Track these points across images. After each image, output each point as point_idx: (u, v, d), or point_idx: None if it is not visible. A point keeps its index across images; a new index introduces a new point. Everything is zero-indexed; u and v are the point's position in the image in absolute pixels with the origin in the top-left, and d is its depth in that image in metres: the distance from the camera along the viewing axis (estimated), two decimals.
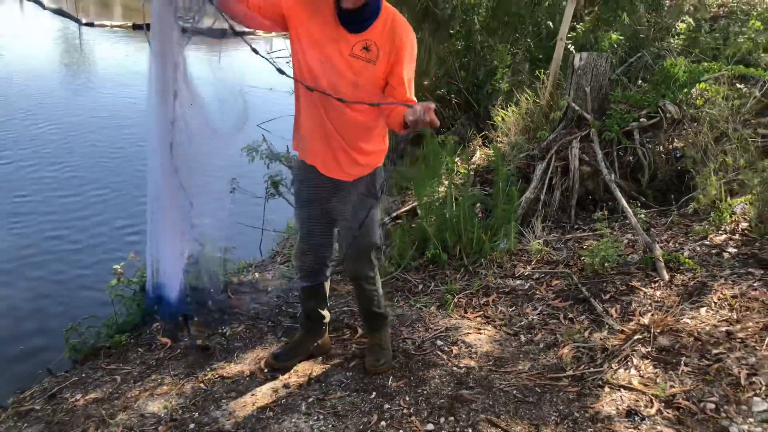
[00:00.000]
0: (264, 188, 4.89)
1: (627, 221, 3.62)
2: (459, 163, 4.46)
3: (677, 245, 3.37)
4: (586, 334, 2.78)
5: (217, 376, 2.71)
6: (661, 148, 4.18)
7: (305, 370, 2.72)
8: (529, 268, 3.48)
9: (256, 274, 3.84)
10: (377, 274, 2.67)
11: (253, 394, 2.58)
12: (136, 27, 14.16)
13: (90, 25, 14.21)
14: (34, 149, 6.59)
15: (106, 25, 14.28)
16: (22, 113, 7.72)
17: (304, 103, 2.36)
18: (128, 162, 6.47)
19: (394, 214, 4.25)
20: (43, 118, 7.58)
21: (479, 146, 5.06)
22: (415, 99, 2.22)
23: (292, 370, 2.72)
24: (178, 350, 2.97)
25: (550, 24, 5.55)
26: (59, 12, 15.59)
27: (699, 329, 2.59)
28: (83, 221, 5.15)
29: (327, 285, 2.78)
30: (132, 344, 3.07)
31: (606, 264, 3.18)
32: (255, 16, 2.23)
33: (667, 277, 3.04)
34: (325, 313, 2.79)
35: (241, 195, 4.94)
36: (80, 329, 3.09)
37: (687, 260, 3.11)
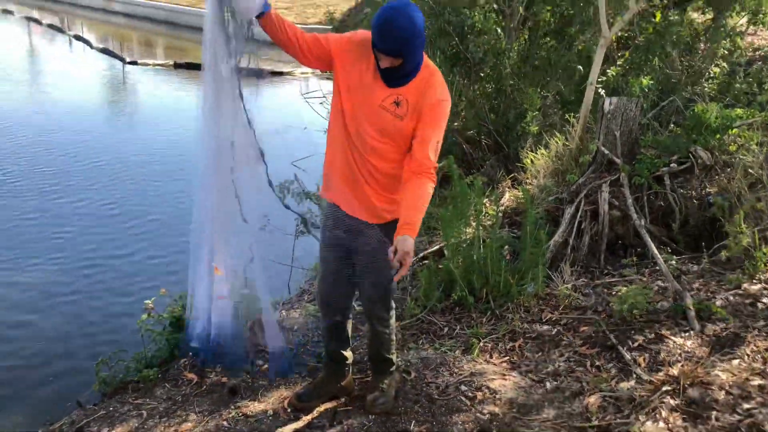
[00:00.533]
0: (294, 225, 4.98)
1: (657, 268, 3.56)
2: (487, 205, 4.47)
3: (709, 294, 3.31)
4: (614, 383, 2.73)
5: (240, 414, 2.73)
6: (693, 193, 4.13)
7: (326, 410, 2.72)
8: (556, 313, 3.44)
9: (283, 312, 3.88)
10: (392, 318, 2.69)
11: None
12: (177, 66, 14.64)
13: (134, 63, 14.73)
14: (77, 183, 6.81)
15: (149, 64, 14.79)
16: (67, 148, 8.01)
17: (335, 143, 2.43)
18: (164, 198, 6.64)
19: (421, 255, 4.26)
20: (85, 154, 7.85)
21: (508, 188, 5.07)
22: (435, 163, 2.26)
23: (315, 411, 2.72)
24: (204, 387, 3.00)
25: (581, 68, 5.59)
26: (105, 51, 16.23)
27: (730, 382, 2.53)
28: (119, 255, 5.28)
29: (350, 325, 2.80)
30: (159, 379, 3.12)
31: (635, 311, 3.13)
32: (304, 52, 2.36)
33: (698, 326, 2.98)
34: (348, 353, 2.81)
35: (271, 231, 5.05)
36: (110, 363, 3.16)
37: (719, 310, 3.04)
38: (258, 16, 2.28)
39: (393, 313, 2.72)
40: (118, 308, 4.38)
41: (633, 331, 3.06)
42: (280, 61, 15.53)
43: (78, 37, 18.54)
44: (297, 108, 11.00)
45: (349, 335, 2.82)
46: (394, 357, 2.78)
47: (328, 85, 11.12)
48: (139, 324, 3.32)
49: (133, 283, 4.77)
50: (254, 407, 2.79)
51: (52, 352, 3.85)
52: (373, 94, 2.27)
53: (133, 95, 12.71)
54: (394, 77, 2.24)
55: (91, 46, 17.00)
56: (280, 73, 14.17)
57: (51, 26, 20.70)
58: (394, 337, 2.76)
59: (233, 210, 2.66)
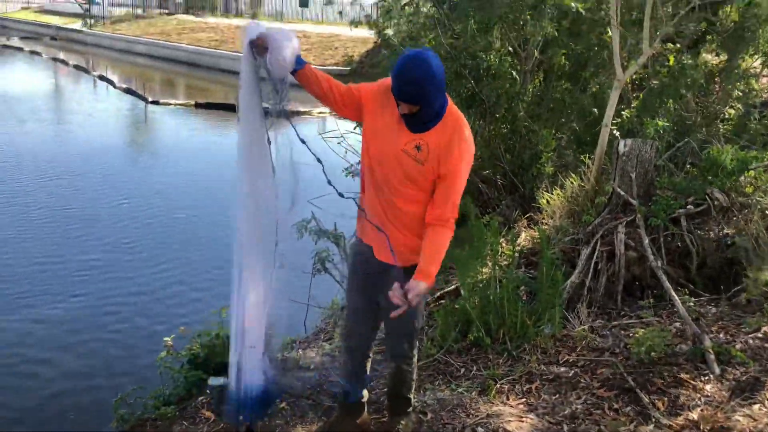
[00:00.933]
0: (311, 263, 5.02)
1: (675, 309, 3.54)
2: (503, 245, 4.49)
3: (729, 337, 3.28)
4: (632, 427, 2.70)
5: None
6: (710, 234, 4.13)
7: None
8: (573, 354, 3.42)
9: (300, 351, 3.89)
10: (415, 357, 2.72)
11: None
12: (198, 105, 14.98)
13: (155, 103, 15.10)
14: (101, 221, 6.94)
15: (171, 104, 15.14)
16: (90, 186, 8.19)
17: (367, 185, 2.51)
18: (185, 235, 6.73)
19: (437, 294, 4.27)
20: (108, 192, 8.01)
21: (524, 228, 5.09)
22: (455, 213, 2.33)
23: None
24: (221, 425, 3.01)
25: (596, 111, 5.65)
26: (128, 91, 16.66)
27: (751, 428, 2.50)
28: (141, 292, 5.35)
29: (368, 364, 2.82)
30: (177, 417, 3.14)
31: (653, 353, 3.12)
32: (338, 104, 2.47)
33: (717, 370, 2.95)
34: (365, 392, 2.83)
35: (288, 270, 5.09)
36: (128, 399, 3.19)
37: (739, 353, 3.02)
38: (293, 72, 2.36)
39: (416, 352, 2.74)
40: (140, 345, 4.42)
41: (651, 374, 3.04)
42: (297, 101, 15.83)
43: (102, 78, 19.08)
44: (314, 147, 11.18)
45: (367, 374, 2.84)
46: (412, 398, 2.78)
47: (345, 125, 11.32)
48: (158, 361, 3.36)
49: (155, 320, 4.82)
50: None
51: (73, 387, 3.89)
52: (397, 139, 2.34)
53: (155, 134, 12.99)
54: (415, 123, 2.30)
55: (115, 86, 17.48)
56: (298, 113, 14.44)
57: (77, 67, 21.33)
58: (415, 377, 2.77)
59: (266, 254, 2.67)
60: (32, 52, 24.61)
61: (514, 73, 5.26)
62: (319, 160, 2.57)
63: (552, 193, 5.07)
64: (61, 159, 9.44)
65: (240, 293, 2.56)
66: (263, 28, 2.31)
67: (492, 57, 5.32)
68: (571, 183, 4.98)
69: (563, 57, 5.63)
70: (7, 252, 5.88)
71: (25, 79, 18.42)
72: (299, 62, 2.35)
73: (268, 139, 2.50)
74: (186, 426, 3.05)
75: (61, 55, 23.81)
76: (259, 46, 2.30)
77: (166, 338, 3.41)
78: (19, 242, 6.16)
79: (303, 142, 2.50)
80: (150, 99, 15.34)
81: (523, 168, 5.52)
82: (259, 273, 2.55)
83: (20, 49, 25.49)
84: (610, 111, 4.76)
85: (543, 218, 5.07)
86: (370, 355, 2.83)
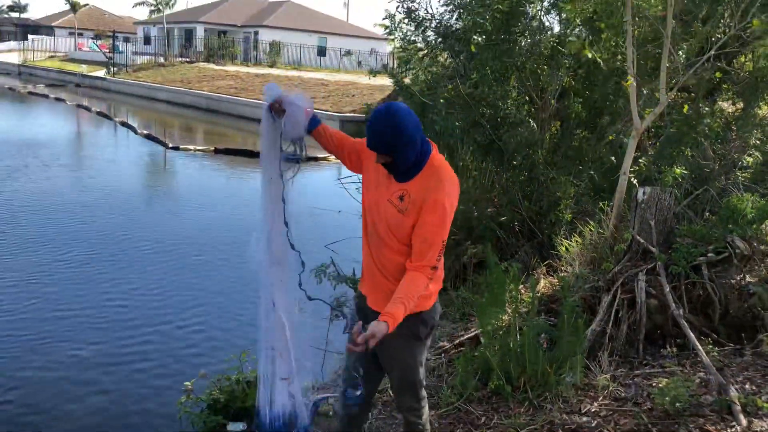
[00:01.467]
0: (329, 309, 5.02)
1: (698, 359, 3.50)
2: (523, 292, 4.48)
3: (754, 387, 3.23)
4: None
5: None
6: (732, 282, 4.09)
7: None
8: (596, 404, 3.37)
9: (318, 395, 3.86)
10: (424, 408, 2.69)
11: None
12: (217, 151, 15.25)
13: (176, 149, 15.39)
14: (123, 267, 7.02)
15: (190, 149, 15.42)
16: (111, 231, 8.30)
17: (363, 238, 2.59)
18: (206, 280, 6.78)
19: (457, 342, 4.25)
20: (128, 237, 8.11)
21: (543, 275, 5.08)
22: (432, 262, 2.32)
23: None
24: None
25: (613, 159, 5.69)
26: (149, 137, 17.02)
27: None
28: (161, 334, 5.36)
29: (366, 419, 2.87)
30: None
31: (678, 404, 3.07)
32: (348, 158, 2.63)
33: (744, 422, 2.89)
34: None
35: (306, 316, 5.10)
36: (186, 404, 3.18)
37: (765, 404, 2.96)
38: (308, 131, 2.56)
39: (425, 403, 2.70)
40: (160, 388, 4.41)
41: (677, 425, 2.98)
42: (315, 147, 16.07)
43: (124, 124, 19.53)
44: (332, 192, 11.32)
45: (365, 424, 2.88)
46: None
47: None
48: (178, 405, 3.36)
49: (176, 364, 4.82)
50: None
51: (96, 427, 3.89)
52: (386, 190, 2.42)
53: (175, 179, 13.20)
54: (395, 173, 2.38)
55: (136, 132, 17.87)
56: (315, 159, 14.64)
57: (99, 113, 21.87)
58: (428, 428, 2.74)
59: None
60: (57, 99, 25.30)
61: (532, 121, 5.33)
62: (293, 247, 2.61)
63: (571, 240, 5.07)
64: (81, 203, 9.60)
65: (268, 328, 2.62)
66: (280, 90, 2.51)
67: (509, 105, 5.41)
68: (590, 230, 4.99)
69: (579, 106, 5.71)
70: (30, 297, 5.95)
71: (50, 125, 18.89)
72: (314, 122, 2.55)
73: (283, 198, 2.58)
74: None
75: (85, 102, 24.46)
76: (277, 109, 2.50)
77: (186, 383, 3.42)
78: (42, 287, 6.23)
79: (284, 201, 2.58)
80: (170, 144, 15.64)
81: (541, 215, 5.54)
82: (283, 309, 2.62)
83: (46, 96, 26.21)
84: (628, 159, 4.80)
85: (562, 265, 5.06)
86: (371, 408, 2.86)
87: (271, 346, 2.68)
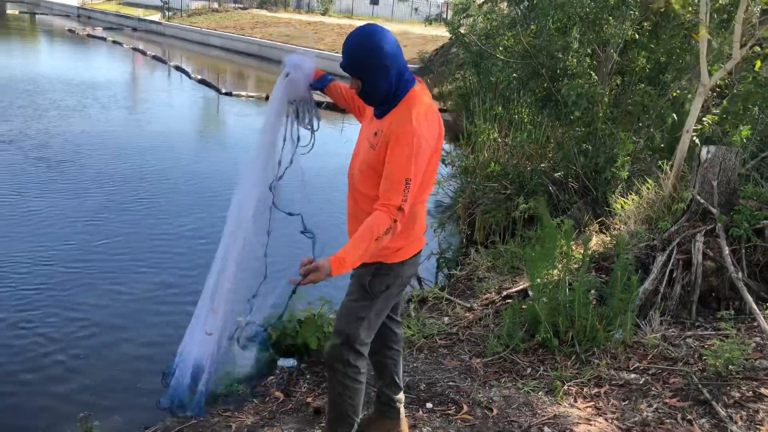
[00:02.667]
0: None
1: (755, 323, 3.42)
2: (574, 248, 4.42)
3: None
4: None
5: None
6: None
7: None
8: (644, 362, 3.35)
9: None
10: (348, 375, 2.37)
11: None
12: (269, 98, 15.30)
13: (228, 94, 15.51)
14: (176, 208, 7.22)
15: (242, 95, 15.53)
16: (164, 175, 8.51)
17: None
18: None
19: (505, 294, 4.26)
20: (178, 180, 8.31)
21: (595, 232, 5.00)
22: (397, 201, 2.10)
23: None
24: (290, 405, 3.10)
25: (674, 116, 5.49)
26: (202, 81, 17.18)
27: None
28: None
29: (393, 367, 2.67)
30: (247, 394, 3.24)
31: (731, 367, 3.02)
32: (358, 111, 2.59)
33: None
34: (397, 396, 2.69)
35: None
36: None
37: None
38: (322, 89, 2.57)
39: (357, 368, 2.37)
40: None
41: (728, 387, 2.94)
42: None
43: (178, 68, 19.75)
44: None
45: (393, 377, 2.67)
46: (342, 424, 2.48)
47: None
48: (230, 341, 3.47)
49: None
50: None
51: (145, 361, 4.07)
52: (366, 129, 2.36)
53: (228, 124, 13.35)
54: (368, 102, 2.29)
55: (189, 77, 18.05)
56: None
57: (154, 57, 22.13)
58: (354, 401, 2.42)
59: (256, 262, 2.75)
60: (114, 42, 25.69)
61: (594, 74, 5.16)
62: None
63: (626, 198, 4.96)
64: (135, 145, 9.83)
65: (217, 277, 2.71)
66: (297, 59, 2.55)
67: (570, 57, 5.24)
68: (647, 188, 4.86)
69: (644, 59, 5.49)
70: (97, 234, 6.19)
71: (107, 68, 19.27)
72: (324, 80, 2.55)
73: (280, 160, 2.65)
74: (256, 404, 3.15)
75: (141, 46, 24.75)
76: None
77: (239, 318, 3.52)
78: (106, 224, 6.47)
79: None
80: (223, 90, 15.77)
81: (596, 171, 5.41)
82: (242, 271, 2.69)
83: (103, 39, 26.63)
84: (692, 117, 4.62)
85: (615, 223, 4.97)
86: (391, 356, 2.66)
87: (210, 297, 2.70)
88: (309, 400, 3.14)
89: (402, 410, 2.71)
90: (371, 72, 2.18)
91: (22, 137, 9.46)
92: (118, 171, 8.28)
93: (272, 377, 3.34)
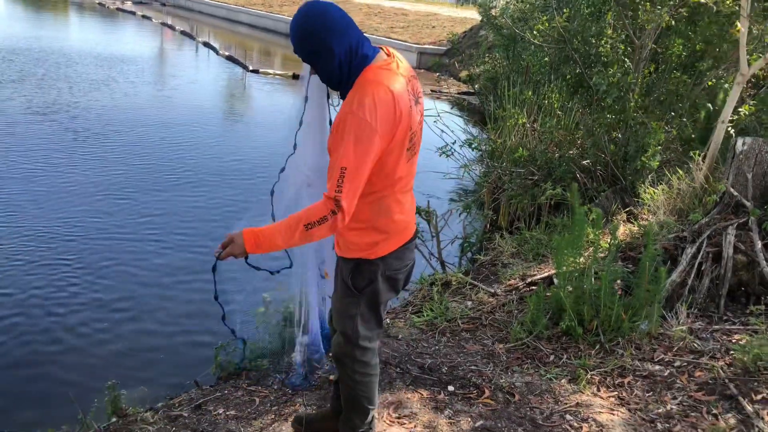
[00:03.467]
0: None
1: None
2: (601, 237, 4.37)
3: None
4: None
5: None
6: None
7: (431, 421, 2.76)
8: (670, 354, 3.32)
9: (388, 320, 3.96)
10: (354, 370, 2.31)
11: None
12: (296, 77, 15.28)
13: (255, 72, 15.52)
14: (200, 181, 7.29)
15: (270, 73, 15.53)
16: (188, 151, 8.57)
17: None
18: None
19: (529, 281, 4.23)
20: (201, 156, 8.37)
21: (623, 222, 4.94)
22: (335, 195, 1.92)
23: (418, 420, 2.78)
24: (312, 381, 3.13)
25: (710, 106, 5.37)
26: (230, 58, 17.21)
27: None
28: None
29: None
30: (271, 369, 3.28)
31: (759, 362, 2.98)
32: None
33: None
34: None
35: None
36: (228, 348, 3.35)
37: None
38: None
39: (364, 363, 2.30)
40: (237, 299, 4.62)
41: (756, 383, 2.90)
42: None
43: (206, 44, 19.78)
44: None
45: None
46: (350, 415, 2.43)
47: (441, 105, 11.23)
48: (256, 316, 3.51)
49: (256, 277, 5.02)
50: None
51: (172, 333, 4.13)
52: None
53: (254, 102, 13.38)
54: (331, 87, 2.15)
55: (217, 53, 18.09)
56: None
57: (183, 32, 22.20)
58: (359, 390, 2.35)
59: None
60: (144, 17, 25.81)
61: (628, 61, 5.06)
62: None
63: (656, 188, 4.89)
64: (159, 120, 9.90)
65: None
66: None
67: (604, 43, 5.14)
68: (678, 179, 4.78)
69: (680, 47, 5.37)
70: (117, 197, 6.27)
71: (136, 42, 19.38)
72: None
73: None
74: (280, 379, 3.19)
75: (169, 21, 24.83)
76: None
77: (264, 294, 3.55)
78: (126, 195, 6.55)
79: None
80: (250, 67, 15.78)
81: (626, 160, 5.33)
82: None
83: (133, 13, 26.77)
84: (729, 107, 4.51)
85: (643, 213, 4.90)
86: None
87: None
88: (332, 377, 3.16)
89: None
90: (316, 55, 2.01)
91: (54, 110, 9.60)
92: (145, 146, 8.36)
93: (294, 353, 3.36)
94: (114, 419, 2.94)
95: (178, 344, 4.02)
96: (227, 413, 2.89)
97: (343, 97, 2.07)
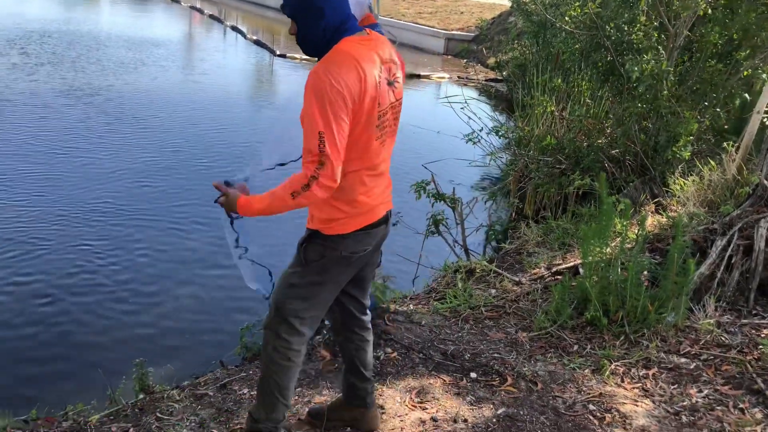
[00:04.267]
0: (426, 226, 5.09)
1: None
2: (629, 228, 4.32)
3: None
4: (759, 429, 2.57)
5: None
6: None
7: (453, 407, 2.77)
8: (696, 347, 3.28)
9: (411, 306, 3.98)
10: (277, 348, 2.21)
11: (401, 420, 2.68)
12: None
13: (282, 56, 15.55)
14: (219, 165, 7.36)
15: (297, 58, 15.54)
16: (215, 134, 8.65)
17: None
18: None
19: (554, 270, 4.21)
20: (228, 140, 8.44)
21: (651, 212, 4.87)
22: (311, 155, 1.92)
23: (440, 405, 2.79)
24: (336, 365, 3.15)
25: (747, 96, 5.24)
26: (257, 42, 17.26)
27: None
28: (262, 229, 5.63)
29: (355, 352, 2.47)
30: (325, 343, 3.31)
31: None
32: None
33: None
34: (362, 385, 2.50)
35: (403, 229, 5.18)
36: (253, 330, 3.40)
37: None
38: None
39: (290, 341, 2.19)
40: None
41: None
42: (417, 65, 15.80)
43: (234, 28, 19.86)
44: (431, 112, 11.18)
45: (359, 365, 2.47)
46: (263, 405, 2.31)
47: (468, 92, 11.14)
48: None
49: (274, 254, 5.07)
50: (382, 391, 2.90)
51: (198, 314, 4.20)
52: None
53: (281, 87, 13.42)
54: (305, 51, 2.10)
55: (245, 37, 18.16)
56: (417, 76, 14.42)
57: (211, 16, 22.31)
58: (279, 382, 2.24)
59: None
60: (172, 0, 25.98)
61: (661, 49, 4.95)
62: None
63: (687, 179, 4.81)
64: (193, 106, 9.99)
65: None
66: None
67: (638, 30, 5.04)
68: (709, 170, 4.70)
69: (716, 35, 5.23)
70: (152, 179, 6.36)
71: (164, 25, 19.54)
72: None
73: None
74: (304, 361, 3.21)
75: (198, 4, 24.97)
76: None
77: None
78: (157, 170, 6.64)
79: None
80: (278, 52, 15.81)
81: (656, 150, 5.24)
82: None
83: None
84: (765, 97, 4.41)
85: (673, 204, 4.83)
86: (348, 337, 2.47)
87: None
88: (336, 366, 3.18)
89: (370, 400, 2.53)
90: (304, 13, 2.00)
91: (88, 93, 9.74)
92: (174, 130, 8.46)
93: (319, 336, 3.39)
94: (141, 396, 3.00)
95: (204, 325, 4.08)
96: (252, 393, 2.93)
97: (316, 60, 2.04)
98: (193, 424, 2.71)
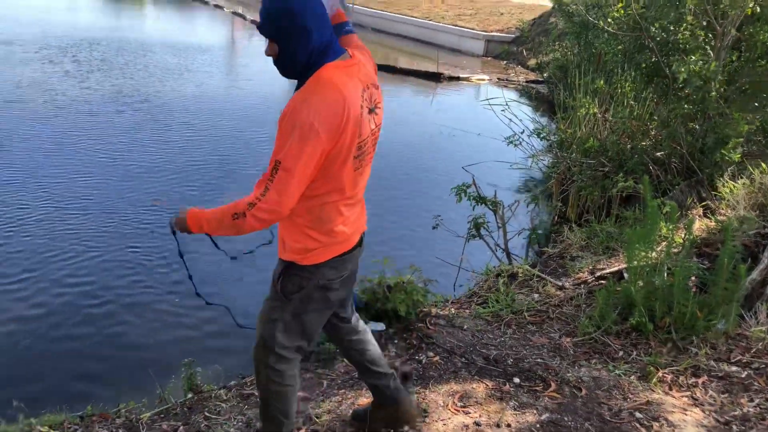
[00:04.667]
0: (466, 229, 5.08)
1: None
2: (676, 232, 4.24)
3: None
4: None
5: None
6: None
7: (497, 412, 2.77)
8: (747, 355, 3.20)
9: (453, 310, 3.98)
10: (268, 377, 2.22)
11: (444, 424, 2.69)
12: None
13: None
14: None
15: None
16: (255, 142, 8.80)
17: None
18: None
19: (598, 275, 4.15)
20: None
21: (699, 216, 4.76)
22: (260, 184, 1.88)
23: (482, 410, 2.79)
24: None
25: None
26: None
27: None
28: None
29: (359, 356, 2.48)
30: (338, 353, 3.35)
31: None
32: None
33: None
34: (381, 381, 2.50)
35: (444, 232, 5.19)
36: None
37: None
38: None
39: (280, 371, 2.20)
40: None
41: None
42: (457, 67, 15.76)
43: None
44: (472, 114, 11.14)
45: (370, 365, 2.48)
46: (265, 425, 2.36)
47: (509, 94, 11.05)
48: None
49: None
50: (424, 395, 2.92)
51: (242, 319, 4.27)
52: None
53: None
54: (286, 75, 2.00)
55: None
56: (457, 78, 14.39)
57: (253, 22, 22.63)
58: (277, 407, 2.27)
59: None
60: (216, 6, 26.46)
61: (709, 49, 4.85)
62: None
63: (737, 182, 4.69)
64: (234, 113, 10.17)
65: None
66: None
67: (684, 30, 4.94)
68: (761, 173, 4.57)
69: (766, 35, 5.09)
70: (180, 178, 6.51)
71: (208, 31, 19.94)
72: (339, 29, 2.17)
73: None
74: (347, 363, 3.24)
75: (240, 10, 25.37)
76: None
77: None
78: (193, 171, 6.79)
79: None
80: None
81: (703, 152, 5.13)
82: None
83: (205, 3, 27.48)
84: None
85: (721, 208, 4.71)
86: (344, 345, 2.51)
87: None
88: (397, 365, 3.21)
89: (397, 394, 2.52)
90: (287, 36, 1.88)
91: (138, 99, 10.01)
92: (219, 135, 8.63)
93: None
94: (190, 395, 3.09)
95: (251, 326, 4.15)
96: (297, 393, 2.98)
97: (296, 88, 1.96)
98: (240, 423, 2.78)
